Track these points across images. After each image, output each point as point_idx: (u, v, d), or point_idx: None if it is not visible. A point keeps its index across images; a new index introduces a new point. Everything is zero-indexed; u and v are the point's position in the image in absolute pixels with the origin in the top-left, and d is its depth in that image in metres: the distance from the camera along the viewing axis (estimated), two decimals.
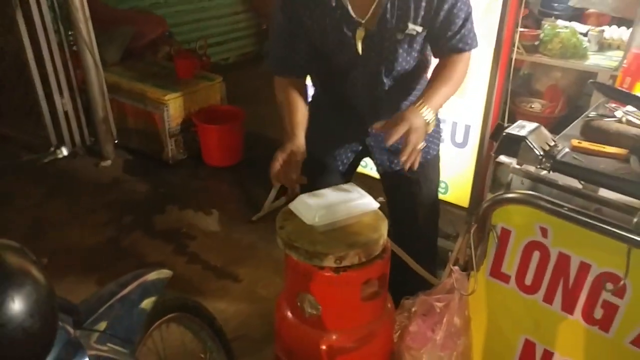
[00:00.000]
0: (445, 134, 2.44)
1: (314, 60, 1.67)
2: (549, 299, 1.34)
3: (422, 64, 1.76)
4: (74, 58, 3.56)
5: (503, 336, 1.47)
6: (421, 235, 1.97)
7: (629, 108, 1.64)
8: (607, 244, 1.17)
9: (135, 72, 3.80)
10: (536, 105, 3.96)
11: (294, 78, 1.69)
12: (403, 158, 1.45)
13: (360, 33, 1.52)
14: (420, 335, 1.52)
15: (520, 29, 3.65)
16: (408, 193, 1.85)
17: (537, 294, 1.36)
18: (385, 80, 1.64)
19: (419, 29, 1.52)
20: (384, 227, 1.55)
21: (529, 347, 1.43)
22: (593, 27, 3.63)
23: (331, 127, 1.83)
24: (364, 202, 1.55)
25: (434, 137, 1.87)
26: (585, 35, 3.51)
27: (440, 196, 2.60)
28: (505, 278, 1.40)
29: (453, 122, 2.41)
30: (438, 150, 1.93)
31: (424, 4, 1.47)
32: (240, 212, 3.20)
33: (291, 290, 1.59)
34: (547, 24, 3.69)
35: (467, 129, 2.38)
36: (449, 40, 1.56)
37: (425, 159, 1.81)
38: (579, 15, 4.02)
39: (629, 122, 1.61)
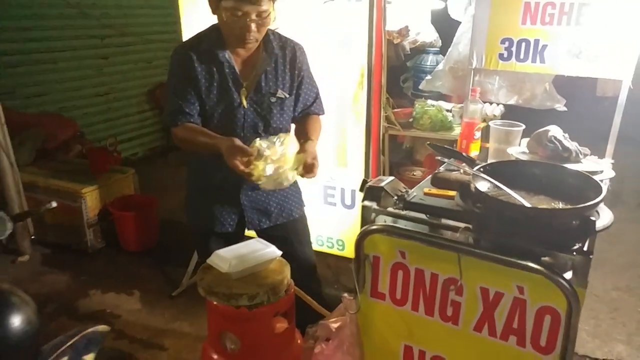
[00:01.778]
0: (336, 198, 2.89)
1: (202, 119, 2.07)
2: (415, 307, 1.73)
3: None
4: None
5: (388, 346, 1.83)
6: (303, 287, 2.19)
7: None
8: (445, 256, 1.60)
9: (49, 170, 4.01)
10: (417, 173, 4.56)
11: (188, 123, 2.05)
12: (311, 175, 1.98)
13: (244, 92, 2.04)
14: (323, 355, 1.85)
15: (395, 110, 4.30)
16: (282, 250, 2.07)
17: (406, 306, 1.74)
18: (263, 135, 2.07)
19: (287, 94, 2.10)
20: (287, 270, 1.92)
21: (408, 351, 1.80)
22: (455, 105, 4.32)
23: (211, 196, 2.18)
24: (269, 251, 1.91)
25: (296, 202, 2.31)
26: (450, 111, 4.19)
27: (339, 253, 3.04)
28: (382, 296, 1.78)
29: (341, 188, 2.87)
30: (303, 212, 2.36)
31: (287, 78, 2.10)
32: (161, 290, 3.42)
33: (214, 331, 1.88)
34: (418, 103, 4.32)
35: (353, 193, 2.84)
36: (310, 107, 2.21)
37: (290, 220, 2.26)
38: (445, 95, 4.77)
39: (465, 172, 2.11)
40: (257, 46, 2.04)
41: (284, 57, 2.09)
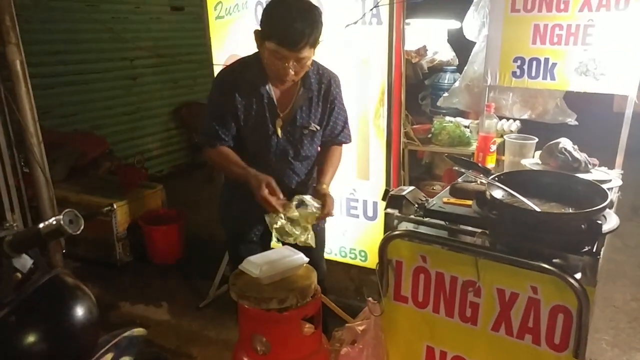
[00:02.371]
0: (359, 210, 3.01)
1: (236, 142, 2.19)
2: (436, 309, 1.83)
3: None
4: (25, 178, 3.91)
5: (411, 347, 1.93)
6: None
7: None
8: (464, 260, 1.71)
9: (81, 186, 4.20)
10: (437, 187, 4.64)
11: (223, 147, 2.17)
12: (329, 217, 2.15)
13: (279, 122, 2.15)
14: (349, 357, 1.96)
15: (414, 126, 4.42)
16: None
17: (428, 308, 1.85)
18: (293, 162, 2.23)
19: (318, 127, 2.21)
20: (314, 276, 2.04)
21: (430, 352, 1.89)
22: (473, 121, 4.42)
23: (244, 206, 2.27)
24: (297, 258, 2.04)
25: None
26: (467, 127, 4.29)
27: (361, 263, 3.15)
28: (404, 299, 1.89)
29: (364, 200, 2.99)
30: (323, 226, 2.48)
31: (320, 110, 2.18)
32: (188, 302, 3.55)
33: (245, 334, 2.00)
34: (436, 120, 4.43)
35: (375, 205, 2.96)
36: (337, 136, 2.29)
37: (316, 230, 2.31)
38: (462, 112, 4.88)
39: (481, 183, 2.23)
40: None
41: (319, 91, 2.17)
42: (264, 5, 2.03)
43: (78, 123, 5.14)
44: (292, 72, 1.98)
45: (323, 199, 2.11)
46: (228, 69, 2.22)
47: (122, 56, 5.51)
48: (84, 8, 5.06)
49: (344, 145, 2.37)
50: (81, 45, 5.13)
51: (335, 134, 2.29)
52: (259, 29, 2.00)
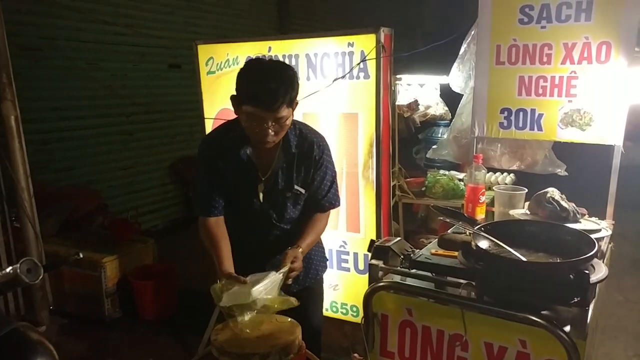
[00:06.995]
0: (350, 263, 2.96)
1: (227, 207, 2.16)
2: None
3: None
4: (14, 233, 3.88)
5: None
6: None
7: None
8: (450, 313, 1.66)
9: (72, 240, 4.16)
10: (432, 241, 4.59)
11: (215, 217, 2.14)
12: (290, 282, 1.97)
13: (261, 186, 2.11)
14: None
15: (407, 179, 4.42)
16: (303, 309, 2.08)
17: None
18: (277, 224, 2.18)
19: (302, 190, 2.15)
20: (299, 331, 1.96)
21: None
22: (466, 174, 4.42)
23: (241, 262, 2.15)
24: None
25: (320, 261, 2.38)
26: (461, 180, 4.29)
27: (353, 319, 3.06)
28: (391, 355, 1.82)
29: (354, 252, 2.95)
30: (323, 275, 2.41)
31: (302, 173, 2.12)
32: (177, 359, 3.43)
33: None
34: (430, 173, 4.43)
35: (366, 258, 2.91)
36: (320, 200, 2.18)
37: (314, 280, 2.32)
38: (456, 165, 4.89)
39: (470, 234, 2.19)
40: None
41: (302, 154, 2.12)
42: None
43: (74, 178, 5.16)
44: (272, 133, 1.93)
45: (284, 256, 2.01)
46: (209, 137, 2.25)
47: (119, 112, 5.59)
48: (83, 66, 5.18)
49: (331, 210, 2.27)
50: (80, 101, 5.22)
51: (319, 198, 2.19)
52: (235, 94, 1.97)
